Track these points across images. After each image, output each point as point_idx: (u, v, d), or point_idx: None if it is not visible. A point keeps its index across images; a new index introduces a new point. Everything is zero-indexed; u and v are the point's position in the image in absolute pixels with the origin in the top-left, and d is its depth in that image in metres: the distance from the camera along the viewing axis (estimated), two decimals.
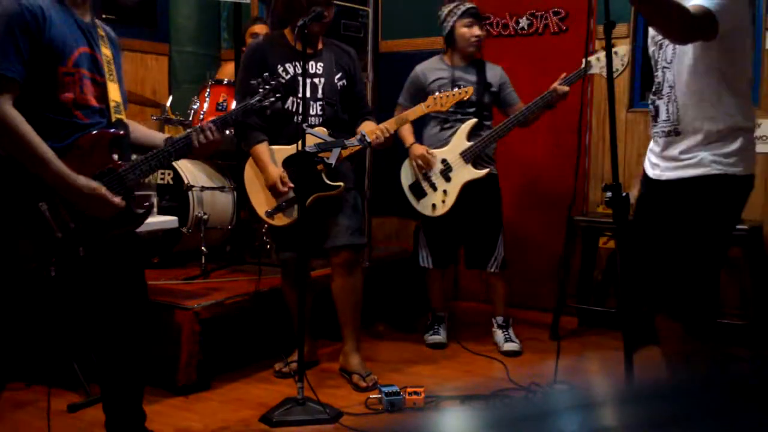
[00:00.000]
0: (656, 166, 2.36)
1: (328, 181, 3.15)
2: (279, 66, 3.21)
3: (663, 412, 0.55)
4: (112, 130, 2.15)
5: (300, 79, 3.14)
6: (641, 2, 2.11)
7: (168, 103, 4.18)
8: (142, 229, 3.11)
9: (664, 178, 2.32)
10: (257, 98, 2.50)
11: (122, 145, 2.19)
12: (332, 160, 3.06)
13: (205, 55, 5.33)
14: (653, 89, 2.38)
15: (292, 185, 3.11)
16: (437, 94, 3.29)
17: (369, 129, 3.18)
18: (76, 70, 2.09)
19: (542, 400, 0.57)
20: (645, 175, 2.44)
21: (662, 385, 0.61)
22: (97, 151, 2.11)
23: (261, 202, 3.23)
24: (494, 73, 3.78)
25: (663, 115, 2.32)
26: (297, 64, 3.22)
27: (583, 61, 3.27)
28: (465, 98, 3.34)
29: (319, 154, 3.02)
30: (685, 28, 2.11)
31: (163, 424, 2.69)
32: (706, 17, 2.08)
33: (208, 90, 4.08)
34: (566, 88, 3.48)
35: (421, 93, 3.68)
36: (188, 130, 2.34)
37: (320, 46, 3.30)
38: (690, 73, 2.25)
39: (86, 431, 2.74)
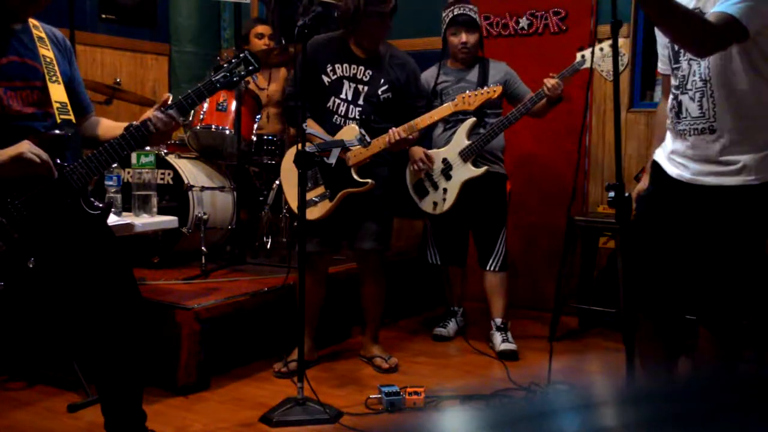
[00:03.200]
0: (683, 166, 2.22)
1: (357, 178, 3.24)
2: (328, 64, 3.30)
3: (663, 412, 0.55)
4: (51, 133, 2.11)
5: (345, 81, 3.29)
6: (659, 16, 2.01)
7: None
8: (143, 229, 3.14)
9: (700, 182, 2.18)
10: (222, 74, 2.32)
11: (65, 146, 2.14)
12: (332, 160, 3.09)
13: (205, 55, 5.33)
14: (676, 83, 2.23)
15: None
16: (467, 93, 3.32)
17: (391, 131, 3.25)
18: None
19: (542, 400, 0.57)
20: (659, 172, 2.31)
21: (662, 385, 0.61)
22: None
23: (295, 196, 3.26)
24: (497, 70, 3.77)
25: (694, 111, 2.17)
26: (348, 66, 3.32)
27: (577, 55, 3.33)
28: (493, 96, 3.33)
29: (319, 154, 3.04)
30: (706, 41, 2.01)
31: (163, 424, 2.69)
32: (728, 25, 1.97)
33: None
34: (553, 81, 3.40)
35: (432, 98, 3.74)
36: (144, 119, 2.23)
37: (377, 53, 3.34)
38: (728, 68, 2.11)
39: (86, 431, 2.73)
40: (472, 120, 3.66)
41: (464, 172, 3.65)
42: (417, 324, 4.22)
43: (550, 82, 3.43)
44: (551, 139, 4.34)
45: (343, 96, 3.31)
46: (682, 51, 2.19)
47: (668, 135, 2.32)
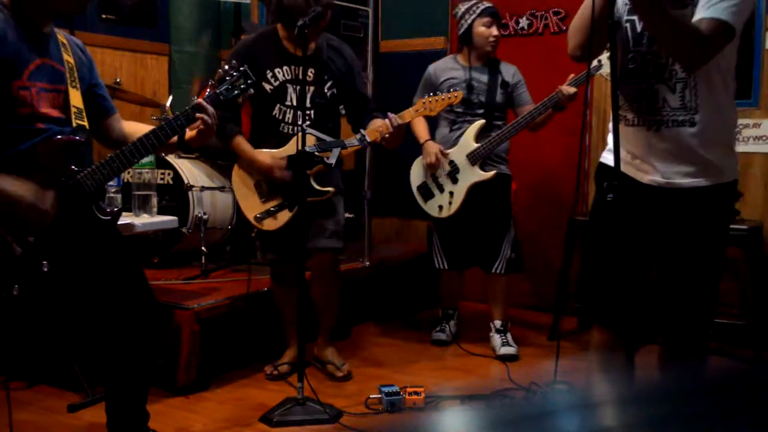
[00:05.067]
0: (650, 166, 2.12)
1: (317, 187, 3.10)
2: (267, 70, 3.14)
3: (663, 412, 0.55)
4: (67, 137, 2.12)
5: (288, 86, 3.14)
6: (654, 24, 1.95)
7: (168, 103, 4.18)
8: (143, 229, 3.14)
9: (675, 185, 2.10)
10: (225, 87, 2.36)
11: (81, 151, 2.16)
12: (332, 160, 3.05)
13: (205, 55, 5.33)
14: (649, 70, 2.09)
15: (286, 174, 3.06)
16: (426, 97, 3.20)
17: (376, 126, 3.11)
18: (31, 83, 2.07)
19: (542, 400, 0.57)
20: (614, 176, 2.10)
21: (662, 386, 0.61)
22: (53, 158, 2.09)
23: (250, 206, 3.19)
24: (509, 72, 3.73)
25: (675, 102, 2.06)
26: (288, 69, 3.17)
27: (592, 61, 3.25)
28: (454, 102, 3.24)
29: (318, 154, 3.02)
30: (700, 53, 1.96)
31: (163, 424, 2.69)
32: (722, 31, 1.93)
33: (208, 90, 4.07)
34: (573, 90, 3.42)
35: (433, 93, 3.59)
36: (166, 119, 2.25)
37: (314, 47, 3.19)
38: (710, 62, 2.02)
39: (86, 431, 2.73)
40: (480, 122, 3.61)
41: (472, 175, 3.59)
42: (416, 324, 4.22)
43: (569, 90, 3.41)
44: (551, 139, 4.34)
45: (288, 102, 3.16)
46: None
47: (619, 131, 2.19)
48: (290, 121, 3.16)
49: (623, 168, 2.15)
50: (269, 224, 3.16)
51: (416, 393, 2.94)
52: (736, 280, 3.81)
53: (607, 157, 2.22)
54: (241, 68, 2.39)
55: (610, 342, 2.25)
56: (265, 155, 3.11)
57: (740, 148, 3.85)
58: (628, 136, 2.15)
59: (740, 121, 3.84)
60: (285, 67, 3.16)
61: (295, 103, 3.15)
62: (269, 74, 3.15)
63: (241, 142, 3.15)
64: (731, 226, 3.49)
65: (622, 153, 2.16)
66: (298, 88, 3.13)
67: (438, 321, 3.97)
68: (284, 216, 3.13)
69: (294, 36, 3.02)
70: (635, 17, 2.10)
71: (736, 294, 3.83)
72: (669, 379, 0.61)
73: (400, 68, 4.73)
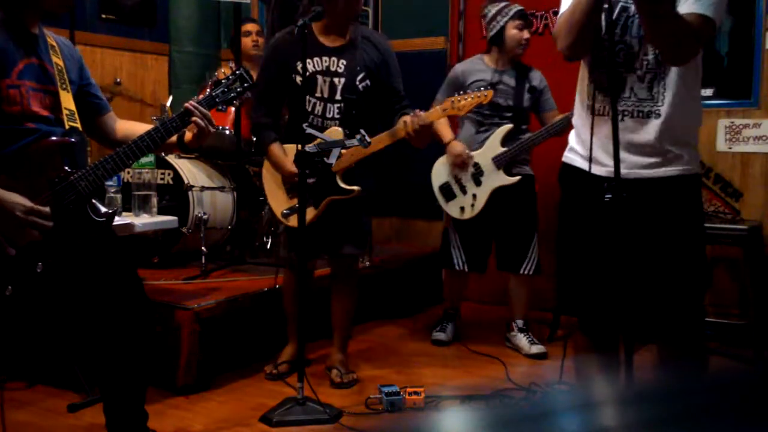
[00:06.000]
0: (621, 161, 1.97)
1: (342, 185, 3.08)
2: (298, 62, 3.08)
3: (662, 412, 0.55)
4: (61, 138, 2.11)
5: (318, 77, 3.10)
6: (655, 21, 1.91)
7: (168, 103, 4.18)
8: (143, 229, 3.14)
9: (641, 176, 2.06)
10: (220, 89, 2.36)
11: (74, 153, 2.15)
12: (332, 160, 3.03)
13: (205, 55, 5.33)
14: (619, 59, 2.06)
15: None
16: (456, 96, 3.12)
17: (401, 122, 3.03)
18: (20, 82, 2.07)
19: (542, 400, 0.57)
20: (582, 177, 2.13)
21: (662, 386, 0.61)
22: (47, 159, 2.08)
23: (278, 202, 3.21)
24: (536, 77, 3.72)
25: (642, 93, 2.04)
26: (319, 60, 3.11)
27: None
28: (483, 102, 3.14)
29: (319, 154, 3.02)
30: (691, 48, 1.95)
31: (162, 424, 2.69)
32: (707, 27, 1.94)
33: (207, 90, 4.07)
34: None
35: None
36: (156, 124, 2.26)
37: (347, 37, 3.14)
38: None
39: (86, 431, 2.73)
40: (508, 126, 3.61)
41: (496, 179, 3.60)
42: (416, 324, 4.22)
43: None
44: (550, 138, 4.33)
45: (318, 94, 3.10)
46: (631, 25, 2.06)
47: (578, 133, 2.19)
48: (320, 113, 3.11)
49: (580, 164, 2.14)
50: (294, 221, 3.16)
51: (416, 393, 2.94)
52: (736, 280, 3.81)
53: (570, 157, 2.22)
54: (237, 71, 2.39)
55: (589, 347, 2.23)
56: (292, 164, 3.08)
57: (740, 148, 3.85)
58: (594, 125, 2.10)
59: (740, 121, 3.84)
60: (315, 58, 3.11)
61: (325, 95, 3.11)
62: (299, 66, 3.08)
63: (274, 149, 3.14)
64: (732, 227, 3.55)
65: (579, 148, 2.16)
66: (328, 80, 3.10)
67: (438, 321, 3.97)
68: (309, 213, 3.10)
69: (328, 26, 3.03)
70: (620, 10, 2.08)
71: (736, 294, 3.83)
72: (664, 379, 0.61)
73: (401, 68, 4.72)
